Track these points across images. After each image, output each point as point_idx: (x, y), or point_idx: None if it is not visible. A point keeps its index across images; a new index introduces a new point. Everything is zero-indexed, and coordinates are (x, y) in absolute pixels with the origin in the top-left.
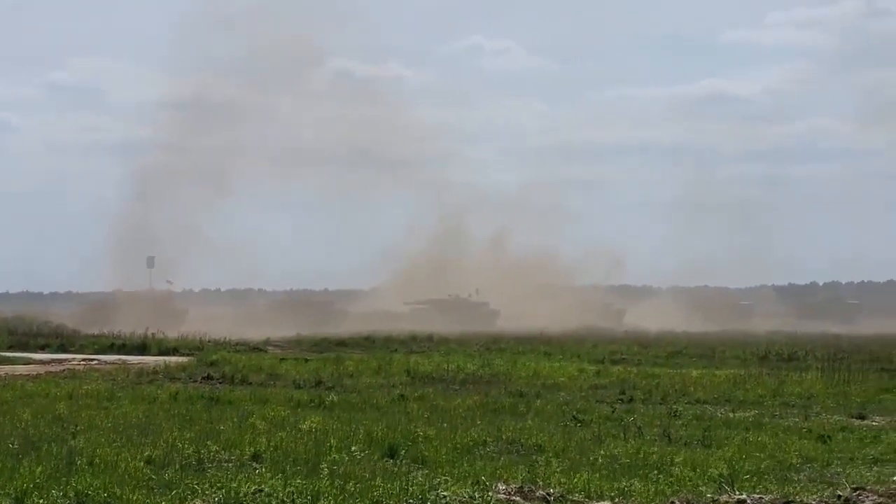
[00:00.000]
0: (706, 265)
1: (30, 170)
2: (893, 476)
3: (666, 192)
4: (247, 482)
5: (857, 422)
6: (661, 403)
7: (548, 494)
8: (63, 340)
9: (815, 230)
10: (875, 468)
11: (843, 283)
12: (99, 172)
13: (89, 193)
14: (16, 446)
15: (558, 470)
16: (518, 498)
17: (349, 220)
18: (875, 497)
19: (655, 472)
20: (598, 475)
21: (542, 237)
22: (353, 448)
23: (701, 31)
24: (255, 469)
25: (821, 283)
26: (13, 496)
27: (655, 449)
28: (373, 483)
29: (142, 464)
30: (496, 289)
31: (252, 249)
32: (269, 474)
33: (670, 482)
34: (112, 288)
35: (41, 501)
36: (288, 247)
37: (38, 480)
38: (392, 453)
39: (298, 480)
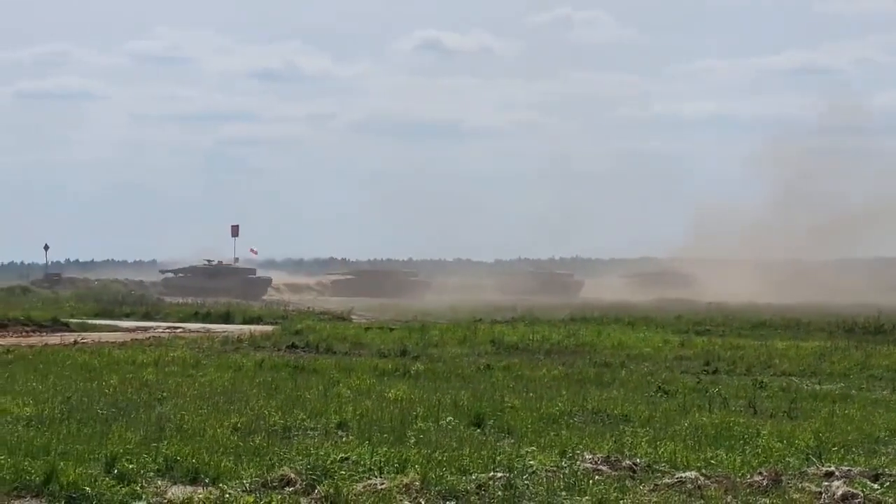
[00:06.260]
0: (787, 238)
1: (113, 139)
2: None
3: (750, 166)
4: (334, 450)
5: None
6: (745, 375)
7: (634, 464)
8: (148, 308)
9: None
10: None
11: None
12: (180, 142)
13: (171, 163)
14: (105, 412)
15: (644, 440)
16: (604, 467)
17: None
18: None
19: (741, 442)
20: (683, 445)
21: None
22: (443, 418)
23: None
24: (342, 437)
25: None
26: (104, 461)
27: (741, 420)
28: (460, 452)
29: (228, 431)
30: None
31: (336, 219)
32: (356, 442)
33: (757, 453)
34: (196, 256)
35: (131, 466)
36: (373, 217)
37: (128, 446)
38: (479, 423)
39: (385, 448)
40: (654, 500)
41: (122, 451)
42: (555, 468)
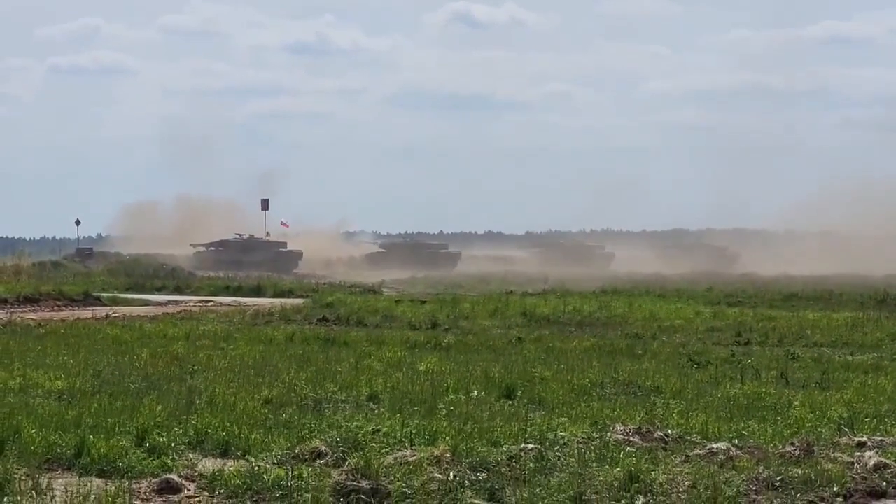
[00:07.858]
0: (818, 207)
1: (145, 113)
2: None
3: (786, 138)
4: (365, 422)
5: None
6: (777, 346)
7: (665, 435)
8: (178, 282)
9: None
10: None
11: None
12: (214, 116)
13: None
14: (136, 385)
15: (676, 411)
16: (636, 438)
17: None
18: None
19: (773, 413)
20: (715, 416)
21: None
22: (473, 391)
23: None
24: (373, 409)
25: None
26: (135, 434)
27: (773, 391)
28: (491, 424)
29: (259, 404)
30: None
31: (367, 192)
32: (387, 414)
33: (788, 424)
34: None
35: (162, 439)
36: (404, 191)
37: (158, 419)
38: (510, 394)
39: (416, 421)
40: (686, 470)
41: (152, 424)
42: (586, 439)
